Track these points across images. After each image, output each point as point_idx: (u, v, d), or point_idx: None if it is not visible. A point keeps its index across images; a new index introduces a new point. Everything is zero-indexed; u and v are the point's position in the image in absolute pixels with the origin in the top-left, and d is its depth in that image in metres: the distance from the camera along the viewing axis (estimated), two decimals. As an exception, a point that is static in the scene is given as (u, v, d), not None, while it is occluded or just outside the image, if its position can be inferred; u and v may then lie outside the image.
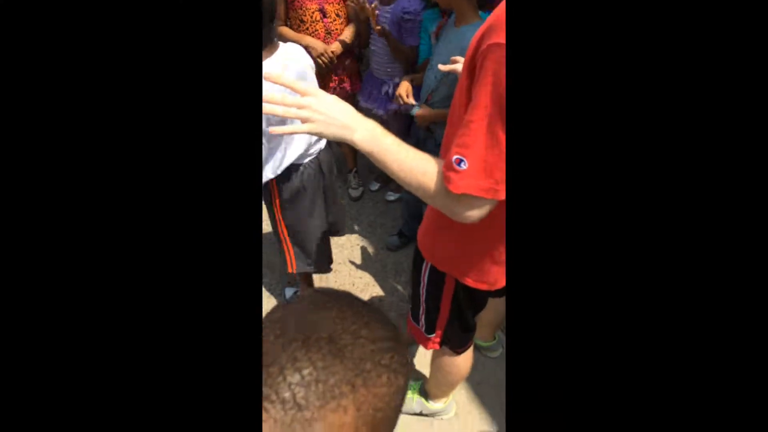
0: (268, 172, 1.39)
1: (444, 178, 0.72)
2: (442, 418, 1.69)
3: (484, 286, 1.02)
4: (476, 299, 1.10)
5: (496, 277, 0.99)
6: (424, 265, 1.10)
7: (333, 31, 2.06)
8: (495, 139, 0.65)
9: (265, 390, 0.32)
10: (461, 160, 0.69)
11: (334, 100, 0.75)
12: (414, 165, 0.75)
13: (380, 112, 2.22)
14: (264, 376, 0.33)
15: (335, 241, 2.41)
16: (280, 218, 1.55)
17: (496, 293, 1.05)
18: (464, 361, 1.34)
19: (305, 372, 0.32)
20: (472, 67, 0.69)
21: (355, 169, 2.68)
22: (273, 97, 0.70)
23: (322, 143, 1.57)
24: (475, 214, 0.74)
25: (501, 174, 0.67)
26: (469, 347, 1.31)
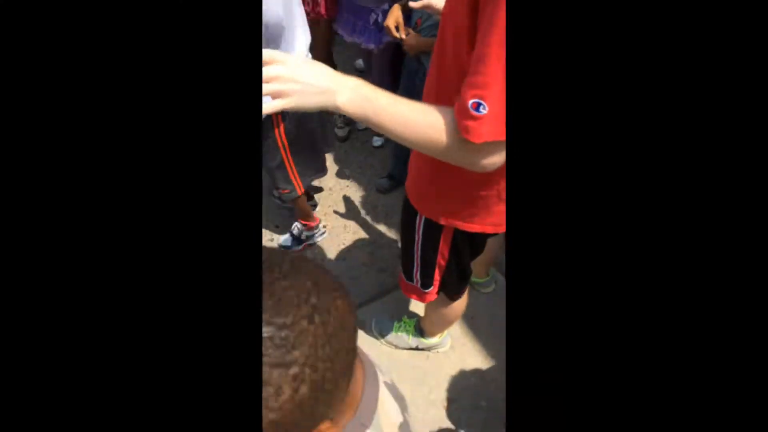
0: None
1: (461, 127, 0.62)
2: (437, 351, 1.77)
3: (490, 229, 0.96)
4: (476, 244, 1.06)
5: (501, 216, 0.93)
6: (418, 219, 1.04)
7: None
8: (501, 75, 0.57)
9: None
10: (479, 104, 0.60)
11: (305, 62, 0.64)
12: (417, 120, 0.66)
13: (371, 45, 1.97)
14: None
15: (324, 184, 2.38)
16: (284, 141, 1.59)
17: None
18: (459, 303, 1.38)
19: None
20: (473, 3, 0.61)
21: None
22: None
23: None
24: (498, 160, 0.66)
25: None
26: (465, 292, 1.32)
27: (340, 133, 2.60)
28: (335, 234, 2.22)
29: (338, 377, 0.38)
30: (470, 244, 1.06)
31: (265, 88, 0.61)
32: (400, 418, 0.54)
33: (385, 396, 0.53)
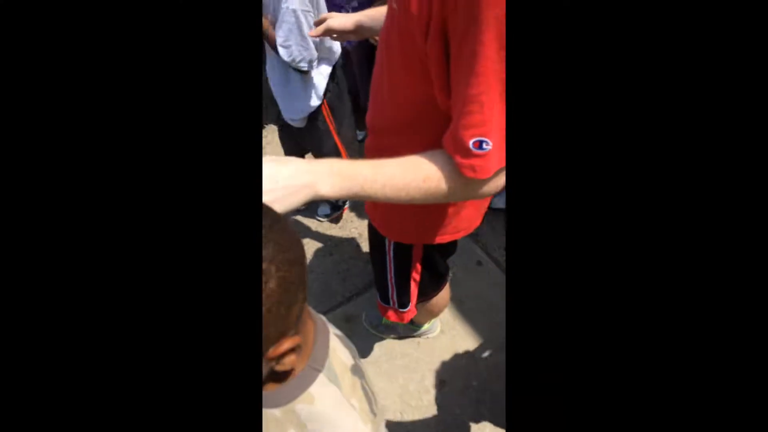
0: (316, 100, 1.69)
1: (465, 168, 0.60)
2: (428, 337, 1.82)
3: (462, 234, 0.96)
4: (448, 249, 1.06)
5: (472, 217, 0.93)
6: (387, 244, 1.02)
7: None
8: (501, 102, 0.55)
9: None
10: (481, 142, 0.58)
11: (275, 165, 0.59)
12: (409, 179, 0.62)
13: (343, 43, 2.02)
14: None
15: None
16: (331, 117, 1.80)
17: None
18: (442, 296, 1.36)
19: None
20: (441, 28, 0.57)
21: None
22: None
23: (336, 45, 1.74)
24: (502, 182, 0.64)
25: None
26: (445, 285, 1.30)
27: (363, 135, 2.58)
28: (323, 229, 2.23)
29: (296, 287, 0.45)
30: (441, 252, 1.05)
31: None
32: (351, 362, 0.59)
33: (335, 344, 0.59)
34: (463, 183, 0.62)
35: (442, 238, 0.94)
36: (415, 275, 1.08)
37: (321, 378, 0.53)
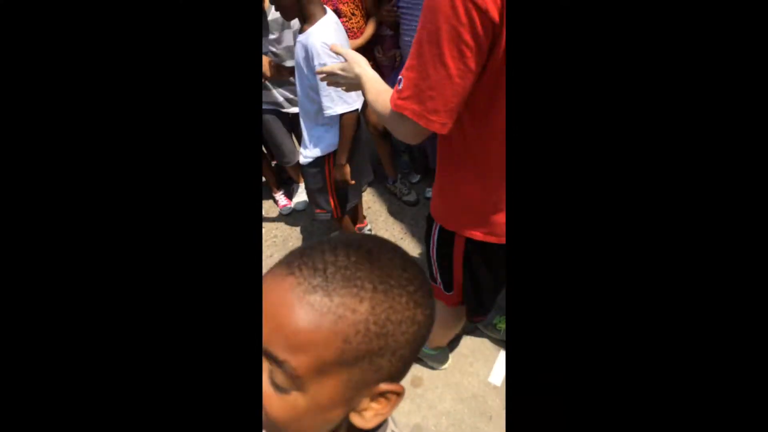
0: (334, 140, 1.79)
1: (390, 98, 0.85)
2: (435, 368, 1.76)
3: (492, 239, 1.03)
4: (488, 254, 1.11)
5: (496, 230, 1.01)
6: (434, 226, 1.15)
7: (351, 29, 2.07)
8: (425, 72, 0.75)
9: (303, 258, 0.38)
10: (400, 80, 0.80)
11: (349, 61, 1.01)
12: (382, 90, 0.92)
13: None
14: (306, 248, 0.40)
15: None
16: (332, 172, 1.88)
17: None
18: (459, 312, 1.37)
19: (340, 257, 0.37)
20: None
21: (399, 176, 2.64)
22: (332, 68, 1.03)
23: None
24: (405, 130, 0.86)
25: (434, 106, 0.77)
26: (480, 311, 1.31)
27: (410, 198, 2.62)
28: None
29: (423, 340, 0.41)
30: (481, 254, 1.10)
31: (330, 80, 1.05)
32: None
33: None
34: (389, 109, 0.86)
35: (472, 234, 1.05)
36: (457, 268, 1.17)
37: None
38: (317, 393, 0.37)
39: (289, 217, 2.65)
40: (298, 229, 2.58)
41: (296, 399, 0.37)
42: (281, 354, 0.36)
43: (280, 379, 0.36)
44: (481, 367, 1.77)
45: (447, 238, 1.12)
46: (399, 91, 0.81)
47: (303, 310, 0.35)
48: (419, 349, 0.41)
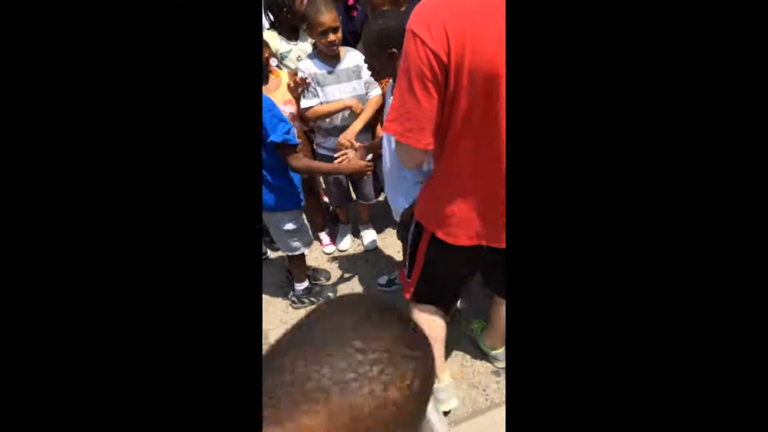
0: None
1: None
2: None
3: (451, 240, 1.20)
4: (446, 252, 1.25)
5: (461, 228, 1.17)
6: (412, 220, 1.36)
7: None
8: (403, 100, 0.97)
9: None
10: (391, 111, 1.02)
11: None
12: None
13: None
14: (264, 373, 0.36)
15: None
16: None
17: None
18: (436, 322, 1.46)
19: (286, 376, 0.34)
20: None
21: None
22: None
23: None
24: (400, 155, 1.09)
25: (410, 125, 0.97)
26: (433, 310, 1.44)
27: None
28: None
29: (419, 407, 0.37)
30: (441, 250, 1.25)
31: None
32: None
33: None
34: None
35: (436, 231, 1.23)
36: (419, 258, 1.35)
37: None
38: None
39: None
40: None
41: None
42: None
43: None
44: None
45: (419, 230, 1.32)
46: (387, 117, 1.04)
47: None
48: (421, 406, 0.38)
